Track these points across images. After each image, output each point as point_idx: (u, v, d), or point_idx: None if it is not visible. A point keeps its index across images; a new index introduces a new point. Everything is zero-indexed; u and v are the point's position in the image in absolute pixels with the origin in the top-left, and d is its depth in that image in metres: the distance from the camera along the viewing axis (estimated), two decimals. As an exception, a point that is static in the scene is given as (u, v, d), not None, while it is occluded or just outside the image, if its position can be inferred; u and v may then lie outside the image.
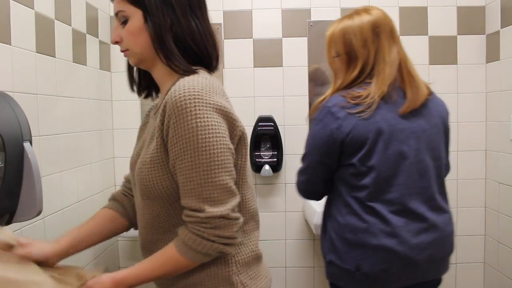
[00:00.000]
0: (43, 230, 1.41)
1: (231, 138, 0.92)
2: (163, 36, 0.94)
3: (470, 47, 2.14)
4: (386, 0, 2.13)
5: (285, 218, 2.20)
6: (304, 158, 1.36)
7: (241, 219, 0.92)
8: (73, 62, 1.69)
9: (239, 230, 0.92)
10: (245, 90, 2.16)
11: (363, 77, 1.29)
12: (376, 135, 1.22)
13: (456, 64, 2.16)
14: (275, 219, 2.19)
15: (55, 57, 1.53)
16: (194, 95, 0.86)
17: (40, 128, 1.41)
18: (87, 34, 1.82)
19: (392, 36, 1.32)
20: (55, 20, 1.54)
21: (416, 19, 2.14)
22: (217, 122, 0.87)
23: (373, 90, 1.24)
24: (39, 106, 1.41)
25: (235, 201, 0.90)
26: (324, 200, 1.44)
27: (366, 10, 1.34)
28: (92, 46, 1.88)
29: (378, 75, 1.26)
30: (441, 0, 2.13)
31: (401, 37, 2.12)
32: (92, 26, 1.89)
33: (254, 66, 2.15)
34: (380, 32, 1.29)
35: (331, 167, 1.31)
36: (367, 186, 1.23)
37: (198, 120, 0.85)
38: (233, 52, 2.15)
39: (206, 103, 0.87)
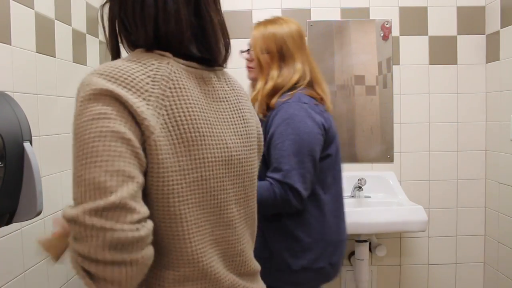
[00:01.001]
0: (43, 230, 1.41)
1: (137, 130, 0.65)
2: None
3: (470, 47, 2.14)
4: (386, 0, 2.13)
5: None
6: (295, 156, 1.26)
7: (110, 233, 0.58)
8: (73, 62, 1.69)
9: (104, 247, 0.58)
10: (245, 90, 2.15)
11: (305, 82, 1.37)
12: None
13: (456, 64, 2.16)
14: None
15: (55, 57, 1.53)
16: (84, 80, 0.68)
17: (40, 128, 1.41)
18: (87, 34, 1.82)
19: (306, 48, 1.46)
20: (55, 20, 1.54)
21: (416, 19, 2.14)
22: (96, 105, 0.63)
23: (323, 96, 1.40)
24: (39, 106, 1.41)
25: (102, 202, 0.59)
26: None
27: (286, 20, 1.46)
28: (92, 46, 1.88)
29: (319, 83, 1.41)
30: (441, 0, 2.13)
31: (401, 37, 2.16)
32: (92, 26, 1.89)
33: (254, 66, 2.15)
34: (304, 42, 1.45)
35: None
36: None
37: (78, 105, 0.65)
38: (233, 52, 2.14)
39: (90, 87, 0.65)
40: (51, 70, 1.51)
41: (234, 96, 0.89)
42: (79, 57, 1.74)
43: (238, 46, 2.14)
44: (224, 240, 0.77)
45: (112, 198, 0.59)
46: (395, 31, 2.14)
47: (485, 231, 2.19)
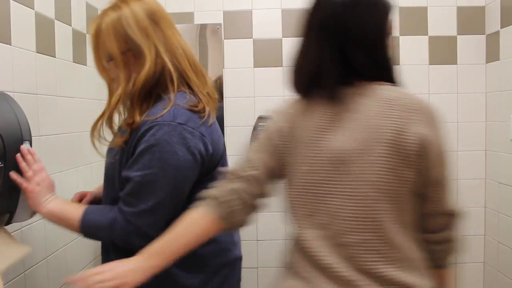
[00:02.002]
0: (43, 230, 1.41)
1: None
2: None
3: (470, 47, 2.14)
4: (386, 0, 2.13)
5: (285, 218, 2.19)
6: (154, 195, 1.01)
7: None
8: (73, 62, 1.69)
9: None
10: (245, 90, 2.15)
11: (165, 80, 1.04)
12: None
13: (456, 64, 2.15)
14: (275, 219, 2.19)
15: (55, 57, 1.53)
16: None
17: (40, 128, 1.41)
18: (87, 34, 1.82)
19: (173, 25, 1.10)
20: (55, 20, 1.54)
21: (416, 19, 2.14)
22: None
23: (202, 98, 1.07)
24: (39, 106, 1.41)
25: None
26: None
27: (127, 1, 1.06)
28: (92, 46, 1.88)
29: (191, 78, 1.07)
30: (441, 0, 2.13)
31: (401, 37, 2.16)
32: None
33: (254, 66, 2.15)
34: (158, 21, 1.06)
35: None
36: None
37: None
38: (233, 52, 2.15)
39: None
40: (51, 70, 1.51)
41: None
42: (79, 57, 1.74)
43: (238, 46, 2.15)
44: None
45: None
46: (395, 31, 2.14)
47: (485, 231, 2.19)
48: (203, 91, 1.08)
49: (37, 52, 1.40)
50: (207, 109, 1.06)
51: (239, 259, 1.19)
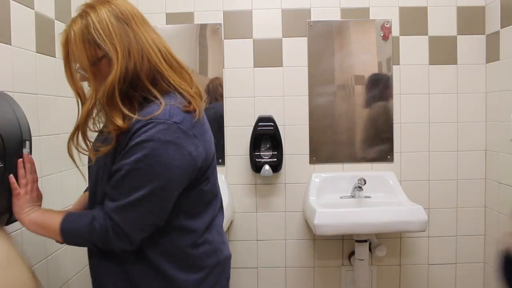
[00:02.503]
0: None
1: None
2: None
3: (470, 47, 2.14)
4: (386, 0, 2.13)
5: (285, 218, 2.19)
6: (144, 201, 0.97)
7: None
8: (73, 62, 1.69)
9: None
10: (245, 90, 2.16)
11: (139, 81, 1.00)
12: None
13: (456, 64, 2.15)
14: (275, 219, 2.19)
15: (55, 57, 1.53)
16: None
17: (40, 128, 1.41)
18: (87, 34, 1.82)
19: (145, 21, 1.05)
20: (55, 20, 1.54)
21: (416, 19, 2.14)
22: None
23: (189, 98, 1.03)
24: (39, 106, 1.41)
25: None
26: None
27: (92, 5, 1.01)
28: (92, 46, 1.88)
29: (166, 76, 1.02)
30: (441, 0, 2.13)
31: (401, 37, 2.16)
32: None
33: (254, 66, 2.15)
34: (130, 19, 1.01)
35: None
36: None
37: None
38: (233, 52, 2.15)
39: None
40: (51, 70, 1.51)
41: None
42: (79, 57, 1.74)
43: (238, 46, 2.15)
44: None
45: None
46: (395, 31, 2.14)
47: (485, 231, 2.19)
48: (190, 90, 1.03)
49: (37, 52, 1.40)
50: (197, 109, 1.02)
51: (229, 258, 1.18)
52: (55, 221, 1.01)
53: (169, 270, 1.02)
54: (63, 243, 1.06)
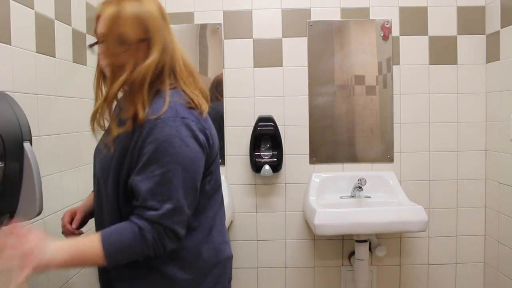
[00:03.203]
0: (43, 230, 1.41)
1: None
2: None
3: (470, 47, 2.14)
4: (386, 0, 2.13)
5: (285, 218, 2.19)
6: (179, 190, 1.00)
7: None
8: (73, 62, 1.69)
9: None
10: (245, 90, 2.16)
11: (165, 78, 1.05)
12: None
13: (456, 64, 2.16)
14: (275, 219, 2.19)
15: (55, 57, 1.53)
16: None
17: (40, 128, 1.41)
18: (87, 34, 1.82)
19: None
20: (55, 20, 1.54)
21: (416, 19, 2.14)
22: None
23: (194, 98, 1.07)
24: (39, 106, 1.41)
25: None
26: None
27: None
28: (92, 46, 1.88)
29: (184, 79, 1.08)
30: (441, 0, 2.13)
31: (401, 37, 2.16)
32: (92, 26, 1.88)
33: (254, 66, 2.15)
34: (167, 22, 1.10)
35: None
36: None
37: None
38: (233, 52, 2.15)
39: None
40: (51, 70, 1.51)
41: None
42: (79, 57, 1.74)
43: (238, 46, 2.15)
44: None
45: None
46: (395, 31, 2.14)
47: (485, 231, 2.19)
48: (194, 91, 1.08)
49: (37, 52, 1.40)
50: (200, 105, 1.06)
51: (230, 258, 1.18)
52: (93, 249, 0.95)
53: (167, 267, 1.03)
54: (103, 265, 0.98)
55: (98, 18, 1.06)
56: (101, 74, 1.11)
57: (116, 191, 1.04)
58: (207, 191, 1.09)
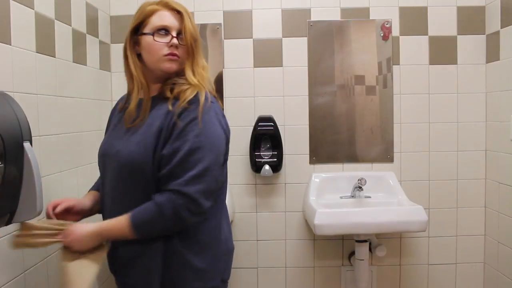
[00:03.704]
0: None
1: None
2: None
3: (470, 47, 2.14)
4: (386, 0, 2.13)
5: (285, 218, 2.19)
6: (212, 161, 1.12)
7: None
8: (73, 62, 1.69)
9: None
10: (245, 90, 2.16)
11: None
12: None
13: (456, 64, 2.15)
14: (275, 219, 2.19)
15: (55, 57, 1.53)
16: None
17: (40, 128, 1.41)
18: (87, 34, 1.82)
19: None
20: (55, 20, 1.54)
21: (416, 19, 2.14)
22: None
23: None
24: (39, 106, 1.41)
25: None
26: None
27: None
28: (92, 46, 1.88)
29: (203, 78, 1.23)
30: (441, 0, 2.13)
31: (401, 37, 2.16)
32: (92, 26, 1.89)
33: (254, 66, 2.15)
34: None
35: None
36: None
37: None
38: (233, 52, 2.15)
39: None
40: (51, 70, 1.51)
41: None
42: (79, 57, 1.74)
43: (238, 46, 2.15)
44: None
45: None
46: (395, 31, 2.14)
47: (485, 231, 2.19)
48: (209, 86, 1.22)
49: (37, 52, 1.40)
50: (217, 97, 1.23)
51: (233, 250, 1.29)
52: (121, 220, 1.09)
53: (183, 251, 1.12)
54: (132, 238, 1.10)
55: (180, 13, 1.20)
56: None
57: (145, 178, 1.10)
58: (220, 180, 1.19)
